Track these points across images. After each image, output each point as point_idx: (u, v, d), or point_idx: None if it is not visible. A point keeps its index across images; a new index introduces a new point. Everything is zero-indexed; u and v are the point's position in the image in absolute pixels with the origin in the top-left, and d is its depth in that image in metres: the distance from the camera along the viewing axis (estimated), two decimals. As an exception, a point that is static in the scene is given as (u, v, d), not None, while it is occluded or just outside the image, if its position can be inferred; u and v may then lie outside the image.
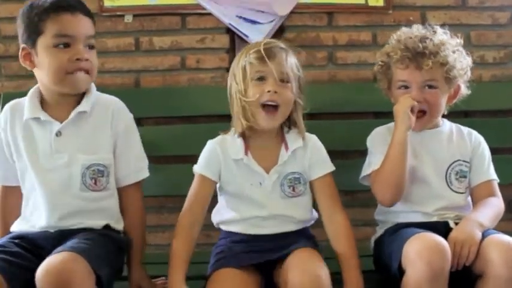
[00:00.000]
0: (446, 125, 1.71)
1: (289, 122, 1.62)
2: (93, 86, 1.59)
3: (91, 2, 2.02)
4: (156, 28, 2.08)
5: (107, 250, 1.44)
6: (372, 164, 1.65)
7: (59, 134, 1.51)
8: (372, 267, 1.64)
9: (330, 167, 1.62)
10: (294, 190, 1.59)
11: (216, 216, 1.65)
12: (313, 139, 1.64)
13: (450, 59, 1.60)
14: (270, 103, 1.53)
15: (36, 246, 1.46)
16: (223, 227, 1.64)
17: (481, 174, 1.66)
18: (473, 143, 1.68)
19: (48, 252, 1.37)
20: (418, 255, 1.39)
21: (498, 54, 2.13)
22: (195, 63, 2.08)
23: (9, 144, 1.55)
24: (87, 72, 1.52)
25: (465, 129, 1.71)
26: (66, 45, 1.49)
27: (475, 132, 1.71)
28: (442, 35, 1.64)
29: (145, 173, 1.62)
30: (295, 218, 1.59)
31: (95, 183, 1.51)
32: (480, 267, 1.44)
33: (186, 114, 2.03)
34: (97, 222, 1.50)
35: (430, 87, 1.61)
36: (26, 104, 1.54)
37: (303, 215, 1.61)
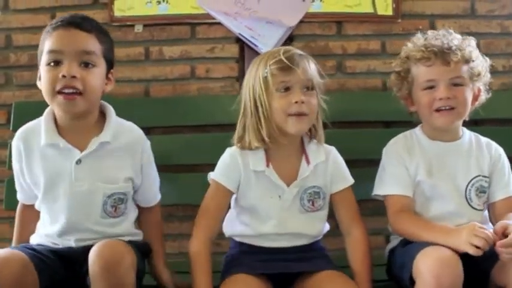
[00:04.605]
0: (466, 136, 1.64)
1: (310, 130, 1.58)
2: (111, 111, 1.54)
3: (101, 12, 2.06)
4: (166, 38, 2.09)
5: (137, 254, 1.41)
6: (384, 185, 1.61)
7: (79, 162, 1.47)
8: (385, 277, 1.63)
9: (350, 180, 1.60)
10: (313, 205, 1.56)
11: (228, 228, 1.62)
12: (333, 151, 1.60)
13: (474, 55, 1.56)
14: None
15: (62, 256, 1.46)
16: (235, 238, 1.61)
17: (502, 190, 1.60)
18: (494, 156, 1.63)
19: (74, 259, 1.43)
20: (428, 269, 1.36)
21: (508, 63, 2.13)
22: (205, 73, 2.09)
23: (24, 173, 1.51)
24: (79, 93, 1.41)
25: (484, 140, 1.66)
26: (57, 63, 1.41)
27: (494, 144, 1.66)
28: (458, 35, 1.60)
29: (159, 193, 1.67)
30: (310, 236, 1.58)
31: (115, 210, 1.50)
32: (502, 279, 1.42)
33: (195, 124, 2.03)
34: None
35: (456, 85, 1.55)
36: (42, 128, 1.47)
37: (318, 231, 1.60)
